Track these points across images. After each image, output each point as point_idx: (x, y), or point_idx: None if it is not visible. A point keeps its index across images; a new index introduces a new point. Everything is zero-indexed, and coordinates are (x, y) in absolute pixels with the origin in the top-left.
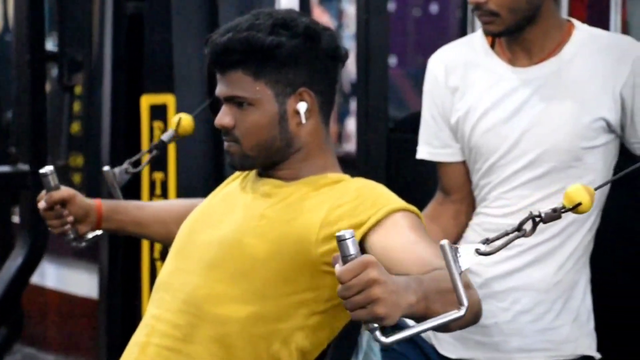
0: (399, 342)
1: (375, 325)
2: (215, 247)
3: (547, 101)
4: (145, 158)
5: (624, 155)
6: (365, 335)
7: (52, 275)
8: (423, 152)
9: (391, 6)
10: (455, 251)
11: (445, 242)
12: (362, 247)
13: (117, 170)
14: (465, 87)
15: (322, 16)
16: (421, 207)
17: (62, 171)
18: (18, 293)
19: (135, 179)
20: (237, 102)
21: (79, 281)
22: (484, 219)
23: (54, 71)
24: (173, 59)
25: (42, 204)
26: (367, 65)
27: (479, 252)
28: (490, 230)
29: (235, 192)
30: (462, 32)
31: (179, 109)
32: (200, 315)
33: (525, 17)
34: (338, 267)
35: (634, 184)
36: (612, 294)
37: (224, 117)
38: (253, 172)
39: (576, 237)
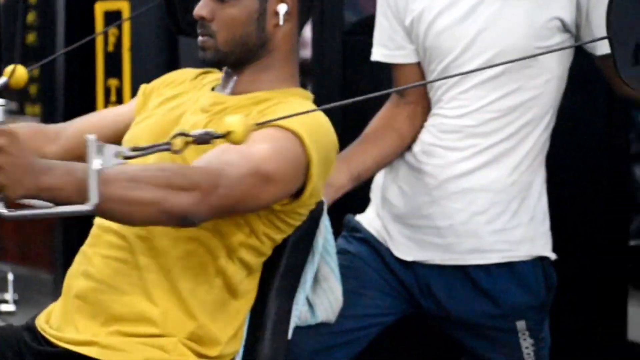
0: (19, 219)
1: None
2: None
3: (502, 1)
4: None
5: (580, 54)
6: (320, 239)
7: None
8: (378, 54)
9: None
10: (100, 148)
11: (91, 137)
12: None
13: None
14: None
15: None
16: (376, 110)
17: None
18: None
19: (91, 86)
20: None
21: None
22: (439, 120)
23: None
24: None
25: None
26: None
27: (120, 155)
28: (446, 131)
29: (184, 107)
30: None
31: (133, 15)
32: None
33: None
34: None
35: (589, 83)
36: (566, 194)
37: (203, 8)
38: (207, 86)
39: (532, 137)
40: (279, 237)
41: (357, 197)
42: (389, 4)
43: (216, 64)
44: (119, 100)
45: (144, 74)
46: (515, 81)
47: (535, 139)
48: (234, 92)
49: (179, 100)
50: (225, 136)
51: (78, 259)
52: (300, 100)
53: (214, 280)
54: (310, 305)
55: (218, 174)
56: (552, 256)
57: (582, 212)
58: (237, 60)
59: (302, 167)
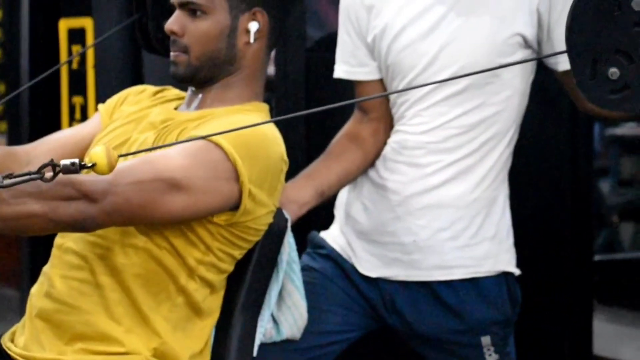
0: None
1: None
2: None
3: (464, 17)
4: None
5: (542, 70)
6: (285, 255)
7: None
8: (340, 71)
9: None
10: None
11: None
12: None
13: None
14: (381, 5)
15: None
16: (340, 125)
17: None
18: None
19: (55, 103)
20: (191, 8)
21: None
22: (402, 136)
23: None
24: None
25: None
26: None
27: None
28: (409, 147)
29: (137, 124)
30: None
31: (97, 32)
32: (105, 246)
33: None
34: None
35: (552, 98)
36: (530, 209)
37: (175, 23)
38: (170, 106)
39: (494, 153)
40: (236, 252)
41: (321, 214)
42: (350, 21)
43: (188, 79)
44: (84, 118)
45: (108, 92)
46: (478, 97)
47: (498, 155)
48: (198, 109)
49: (139, 116)
50: (91, 167)
51: (40, 279)
52: (246, 113)
53: (176, 299)
54: (275, 321)
55: (109, 182)
56: (517, 271)
57: (546, 227)
58: (206, 76)
59: (227, 177)
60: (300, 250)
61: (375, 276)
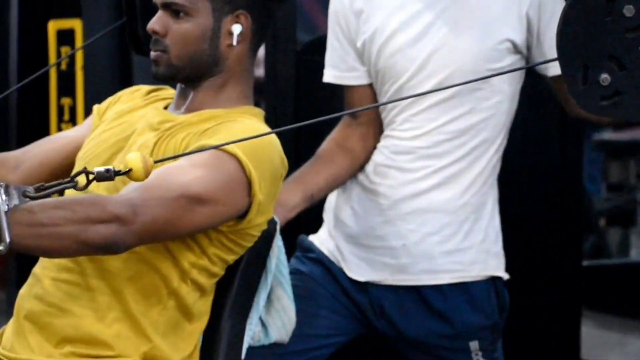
0: None
1: None
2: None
3: (453, 23)
4: None
5: (532, 75)
6: (273, 259)
7: None
8: (329, 75)
9: None
10: (5, 189)
11: None
12: None
13: None
14: (370, 10)
15: None
16: (330, 129)
17: None
18: None
19: (44, 104)
20: (173, 9)
21: None
22: (392, 141)
23: None
24: None
25: None
26: None
27: (25, 195)
28: (398, 152)
29: (133, 120)
30: None
31: (86, 33)
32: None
33: None
34: None
35: (542, 103)
36: (519, 214)
37: (157, 23)
38: (159, 105)
39: (483, 159)
40: (230, 257)
41: (310, 218)
42: (340, 26)
43: (168, 79)
44: (72, 119)
45: (97, 93)
46: (467, 103)
47: (487, 161)
48: (188, 110)
49: (131, 116)
50: (126, 173)
51: (30, 280)
52: (249, 118)
53: (167, 302)
54: (263, 325)
55: (136, 203)
56: (505, 276)
57: (535, 232)
58: (189, 76)
59: (241, 187)
60: (289, 253)
61: (364, 280)
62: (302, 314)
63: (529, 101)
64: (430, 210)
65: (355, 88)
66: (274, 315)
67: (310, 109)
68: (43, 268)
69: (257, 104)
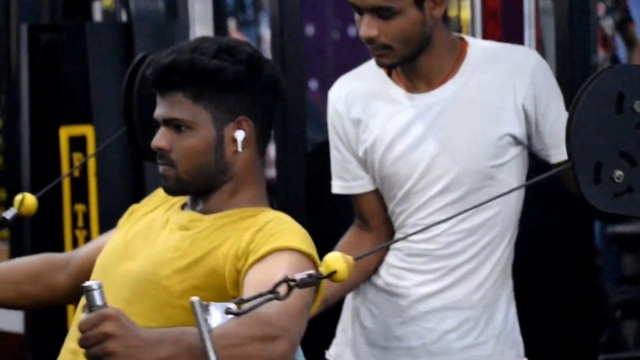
0: None
1: None
2: (131, 282)
3: (451, 124)
4: None
5: (534, 160)
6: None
7: None
8: (336, 186)
9: (310, 30)
10: (205, 308)
11: (195, 299)
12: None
13: None
14: (367, 118)
15: None
16: (342, 231)
17: None
18: None
19: (57, 211)
20: (175, 124)
21: (4, 316)
22: (405, 244)
23: None
24: (90, 89)
25: None
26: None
27: (229, 312)
28: (412, 254)
29: (154, 224)
30: None
31: (98, 140)
32: None
33: (418, 47)
34: (82, 316)
35: (547, 190)
36: (535, 307)
37: (161, 140)
38: (177, 204)
39: (497, 252)
40: None
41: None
42: (339, 136)
43: (179, 193)
44: (87, 226)
45: (110, 199)
46: (475, 201)
47: (500, 254)
48: (204, 212)
49: (151, 216)
50: (330, 276)
51: None
52: (279, 214)
53: None
54: None
55: (286, 318)
56: None
57: (548, 325)
58: (199, 188)
59: None
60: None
61: None
62: None
63: (539, 193)
64: (447, 308)
65: (363, 195)
66: None
67: (321, 209)
68: None
69: (270, 204)
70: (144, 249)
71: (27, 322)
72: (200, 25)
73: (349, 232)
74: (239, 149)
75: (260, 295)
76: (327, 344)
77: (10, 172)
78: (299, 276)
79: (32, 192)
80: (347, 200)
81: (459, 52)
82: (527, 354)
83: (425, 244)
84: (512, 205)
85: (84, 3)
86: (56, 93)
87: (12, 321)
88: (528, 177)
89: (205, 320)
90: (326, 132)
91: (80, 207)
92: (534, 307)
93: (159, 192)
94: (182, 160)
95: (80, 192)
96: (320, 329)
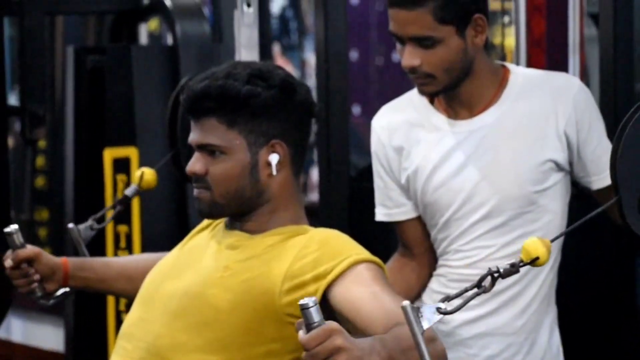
0: None
1: None
2: (179, 297)
3: (493, 151)
4: (110, 214)
5: (576, 187)
6: None
7: (18, 329)
8: (380, 214)
9: (354, 55)
10: (416, 311)
11: (406, 303)
12: (325, 299)
13: (81, 226)
14: (410, 146)
15: (284, 66)
16: (385, 255)
17: (27, 225)
18: None
19: (100, 232)
20: (209, 150)
21: (44, 335)
22: (447, 269)
23: (16, 125)
24: (135, 111)
25: (8, 263)
26: (327, 114)
27: (440, 312)
28: (454, 280)
29: (202, 243)
30: None
31: (142, 162)
32: None
33: (459, 75)
34: (302, 334)
35: (591, 223)
36: (572, 339)
37: (196, 164)
38: (221, 224)
39: (538, 279)
40: None
41: None
42: (382, 164)
43: (215, 216)
44: (129, 247)
45: (153, 220)
46: (518, 228)
47: (543, 280)
48: (249, 232)
49: (197, 237)
50: (533, 262)
51: None
52: (328, 229)
53: None
54: None
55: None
56: None
57: (595, 337)
58: (235, 212)
59: None
60: None
61: None
62: None
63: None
64: (490, 334)
65: (405, 223)
66: None
67: (363, 234)
68: None
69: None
70: (192, 267)
71: (67, 341)
72: (246, 49)
73: (392, 259)
74: (274, 172)
75: (466, 291)
76: None
77: (54, 193)
78: (501, 267)
79: (76, 215)
80: (389, 226)
81: (500, 79)
82: None
83: (467, 269)
84: (555, 228)
85: (130, 26)
86: (101, 115)
87: (51, 340)
88: (570, 204)
89: (419, 323)
90: (369, 156)
91: (122, 229)
92: (577, 335)
93: None
94: (218, 184)
95: (123, 214)
96: None
